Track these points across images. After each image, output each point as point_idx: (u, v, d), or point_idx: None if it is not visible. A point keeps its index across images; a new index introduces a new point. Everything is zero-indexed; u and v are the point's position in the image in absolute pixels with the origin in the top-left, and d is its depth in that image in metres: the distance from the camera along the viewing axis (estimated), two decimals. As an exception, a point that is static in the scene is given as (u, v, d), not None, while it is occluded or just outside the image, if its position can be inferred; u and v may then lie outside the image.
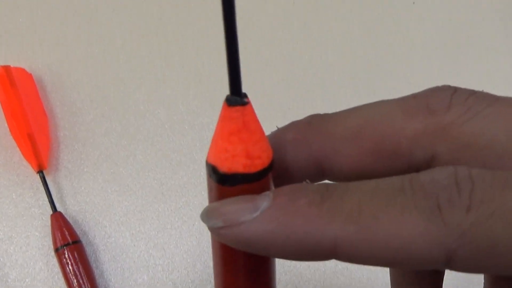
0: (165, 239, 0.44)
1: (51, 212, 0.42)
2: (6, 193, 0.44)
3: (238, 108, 0.19)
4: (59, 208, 0.43)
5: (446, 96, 0.19)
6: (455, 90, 0.20)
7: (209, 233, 0.42)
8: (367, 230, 0.17)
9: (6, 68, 0.45)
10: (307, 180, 0.19)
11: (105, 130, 0.46)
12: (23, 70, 0.46)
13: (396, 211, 0.17)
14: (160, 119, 0.47)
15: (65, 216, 0.42)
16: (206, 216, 0.19)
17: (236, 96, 0.19)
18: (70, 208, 0.44)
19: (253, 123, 0.19)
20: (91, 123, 0.47)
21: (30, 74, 0.47)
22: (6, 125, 0.45)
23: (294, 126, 0.21)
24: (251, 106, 0.19)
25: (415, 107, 0.20)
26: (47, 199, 0.43)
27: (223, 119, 0.19)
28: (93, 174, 0.45)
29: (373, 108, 0.20)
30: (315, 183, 0.19)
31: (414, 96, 0.20)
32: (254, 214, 0.18)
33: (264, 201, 0.18)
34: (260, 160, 0.19)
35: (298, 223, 0.17)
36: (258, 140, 0.19)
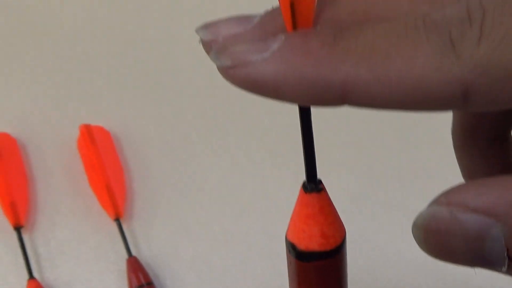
0: (230, 283, 0.47)
1: (126, 257, 0.46)
2: (85, 239, 0.48)
3: (314, 195, 0.21)
4: (134, 253, 0.47)
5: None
6: None
7: (275, 276, 0.45)
8: (378, 68, 0.16)
9: (87, 127, 0.50)
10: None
11: (175, 182, 0.51)
12: (101, 128, 0.52)
13: (409, 48, 0.16)
14: (224, 172, 0.51)
15: (139, 260, 0.46)
16: (215, 54, 0.18)
17: (312, 183, 0.21)
18: (143, 253, 0.48)
19: (327, 207, 0.22)
20: (162, 176, 0.51)
21: (108, 132, 0.52)
22: (85, 177, 0.50)
23: None
24: (325, 192, 0.22)
25: None
26: (123, 245, 0.47)
27: (300, 203, 0.22)
28: (163, 222, 0.49)
29: None
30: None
31: None
32: (264, 54, 0.17)
33: (275, 42, 0.18)
34: (334, 238, 0.22)
35: (309, 64, 0.17)
36: (332, 221, 0.22)
